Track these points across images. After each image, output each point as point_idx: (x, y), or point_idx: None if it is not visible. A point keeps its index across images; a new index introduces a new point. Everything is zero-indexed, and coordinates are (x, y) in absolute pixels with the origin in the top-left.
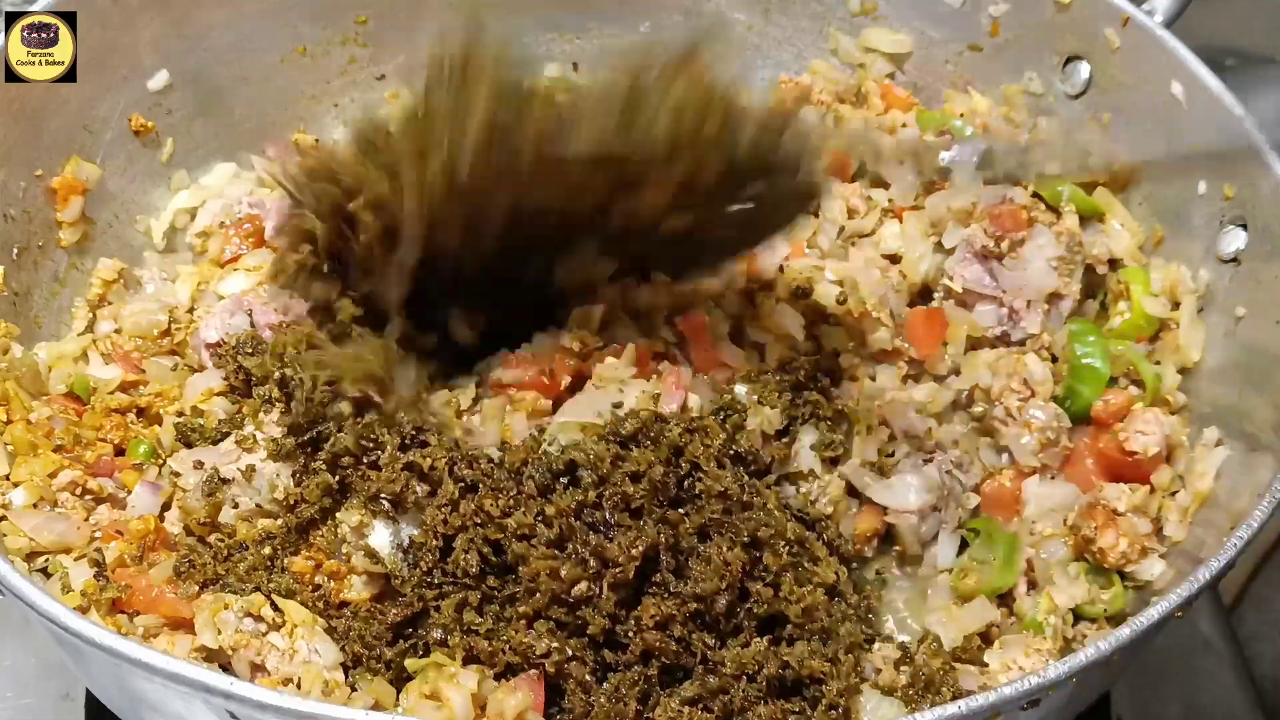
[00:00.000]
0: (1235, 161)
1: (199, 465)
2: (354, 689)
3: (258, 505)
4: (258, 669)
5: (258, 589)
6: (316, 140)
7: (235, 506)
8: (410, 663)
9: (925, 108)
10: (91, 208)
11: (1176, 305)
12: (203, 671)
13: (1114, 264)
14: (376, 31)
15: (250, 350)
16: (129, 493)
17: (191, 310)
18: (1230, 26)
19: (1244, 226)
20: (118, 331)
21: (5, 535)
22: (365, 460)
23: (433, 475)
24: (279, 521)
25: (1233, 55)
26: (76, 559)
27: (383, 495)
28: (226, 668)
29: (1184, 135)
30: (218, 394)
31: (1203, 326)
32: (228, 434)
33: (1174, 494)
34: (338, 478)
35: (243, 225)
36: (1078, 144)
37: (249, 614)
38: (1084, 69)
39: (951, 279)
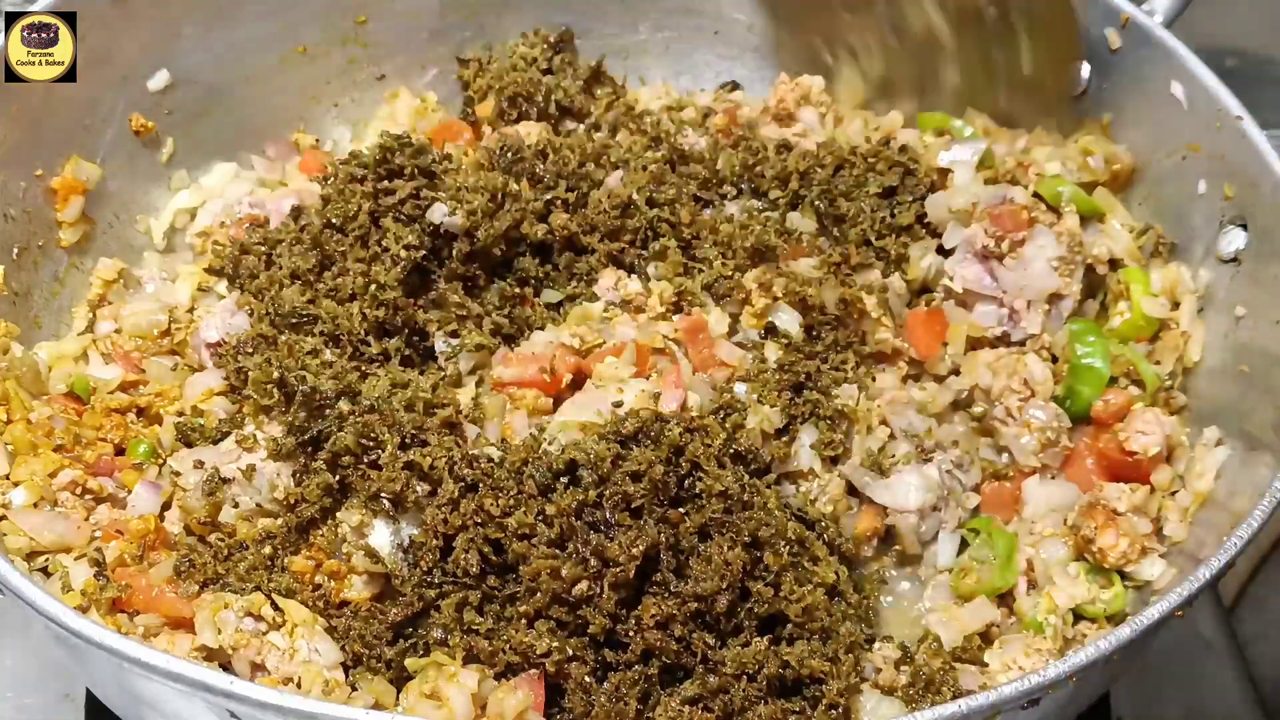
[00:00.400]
0: (1234, 159)
1: (199, 465)
2: (354, 688)
3: (258, 505)
4: (258, 668)
5: (258, 588)
6: (316, 140)
7: (235, 506)
8: (410, 662)
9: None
10: (91, 208)
11: (1176, 305)
12: (203, 670)
13: (1114, 264)
14: (376, 32)
15: (250, 350)
16: (129, 492)
17: (191, 310)
18: (1230, 26)
19: (1244, 226)
20: (118, 331)
21: (5, 535)
22: (365, 460)
23: (433, 474)
24: (279, 521)
25: (1232, 55)
26: (76, 558)
27: (383, 494)
28: (226, 667)
29: (1184, 136)
30: (218, 393)
31: (1202, 326)
32: (228, 433)
33: (1174, 494)
34: (338, 477)
35: (243, 225)
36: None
37: (249, 613)
38: (1084, 69)
39: (952, 279)
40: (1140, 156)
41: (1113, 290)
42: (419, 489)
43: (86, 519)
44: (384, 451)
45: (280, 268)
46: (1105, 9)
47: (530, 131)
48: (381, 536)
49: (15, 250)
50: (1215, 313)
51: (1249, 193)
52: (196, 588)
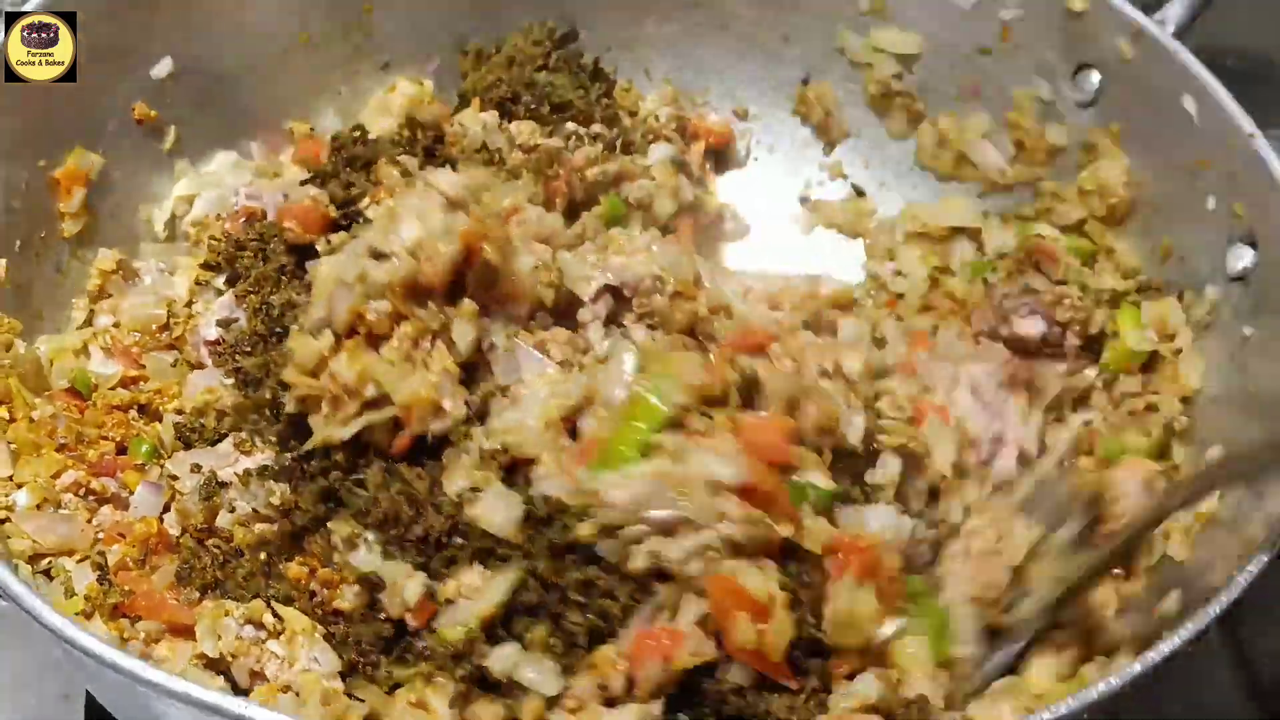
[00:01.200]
0: (1245, 178)
1: (196, 469)
2: (351, 696)
3: (254, 510)
4: (257, 676)
5: (257, 595)
6: (311, 129)
7: (232, 511)
8: (398, 672)
9: (931, 112)
10: (94, 198)
11: (1170, 338)
12: (218, 696)
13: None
14: (382, 21)
15: (248, 349)
16: (131, 493)
17: (190, 304)
18: (1230, 27)
19: (1253, 245)
20: (116, 325)
21: (9, 538)
22: (351, 478)
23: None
24: (274, 527)
25: (1233, 55)
26: (79, 561)
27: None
28: (226, 674)
29: (1195, 150)
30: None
31: (1201, 359)
32: (226, 434)
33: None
34: (330, 481)
35: (239, 219)
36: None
37: (249, 621)
38: (1095, 78)
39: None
40: (1148, 170)
41: (1109, 328)
42: (408, 511)
43: (90, 521)
44: (369, 472)
45: (272, 263)
46: (1117, 19)
47: (521, 130)
48: (372, 550)
49: (18, 243)
50: (1222, 332)
51: (1258, 210)
52: (198, 594)
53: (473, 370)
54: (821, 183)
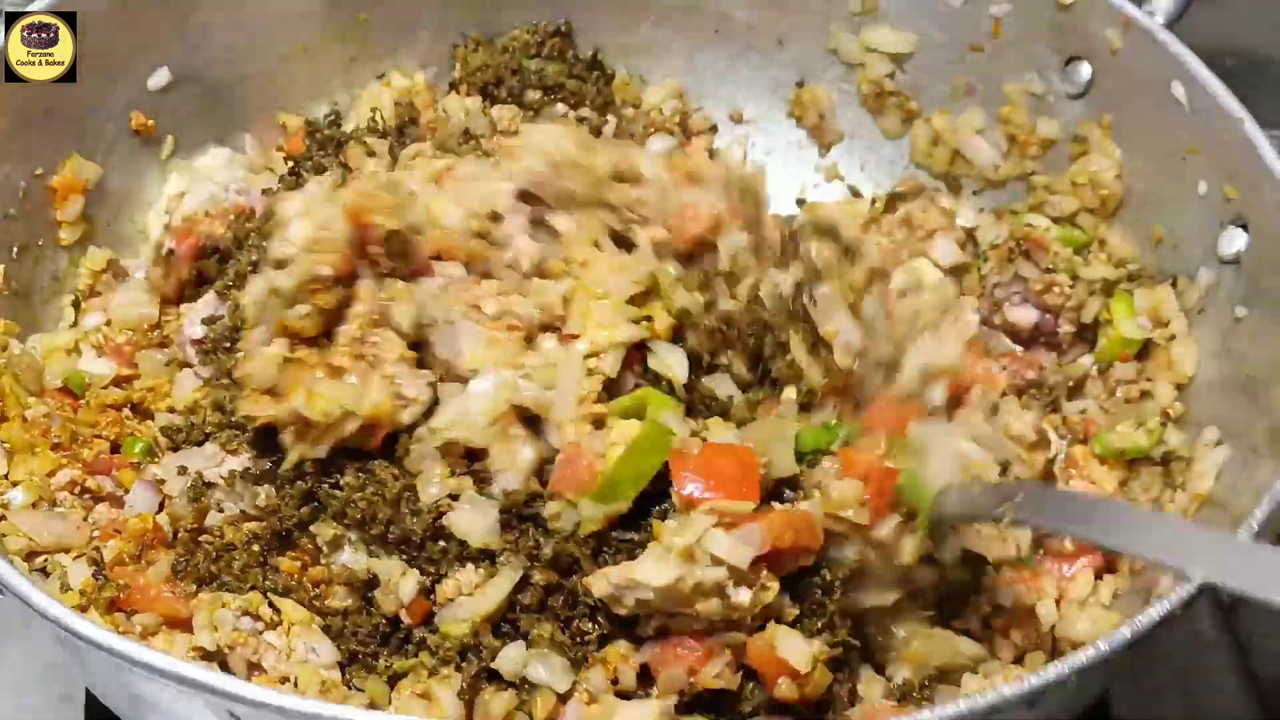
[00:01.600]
0: (1236, 162)
1: (183, 471)
2: (350, 687)
3: (241, 510)
4: (254, 667)
5: (254, 587)
6: (306, 122)
7: (220, 511)
8: (399, 663)
9: (924, 111)
10: (91, 207)
11: (1163, 325)
12: (206, 672)
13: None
14: (377, 30)
15: (227, 345)
16: (127, 491)
17: (178, 302)
18: (1230, 26)
19: (1245, 227)
20: (108, 323)
21: (5, 536)
22: (327, 481)
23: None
24: (264, 524)
25: (1232, 55)
26: (75, 558)
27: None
28: (224, 666)
29: (1185, 137)
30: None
31: (1195, 344)
32: (210, 434)
33: (1174, 494)
34: (309, 484)
35: (228, 215)
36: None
37: (246, 613)
38: (1085, 69)
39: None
40: (1140, 159)
41: (1102, 318)
42: (385, 511)
43: (85, 518)
44: (344, 475)
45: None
46: (1106, 10)
47: (502, 115)
48: (358, 549)
49: (15, 249)
50: (1215, 315)
51: (1250, 195)
52: (194, 587)
53: (417, 346)
54: (817, 185)
